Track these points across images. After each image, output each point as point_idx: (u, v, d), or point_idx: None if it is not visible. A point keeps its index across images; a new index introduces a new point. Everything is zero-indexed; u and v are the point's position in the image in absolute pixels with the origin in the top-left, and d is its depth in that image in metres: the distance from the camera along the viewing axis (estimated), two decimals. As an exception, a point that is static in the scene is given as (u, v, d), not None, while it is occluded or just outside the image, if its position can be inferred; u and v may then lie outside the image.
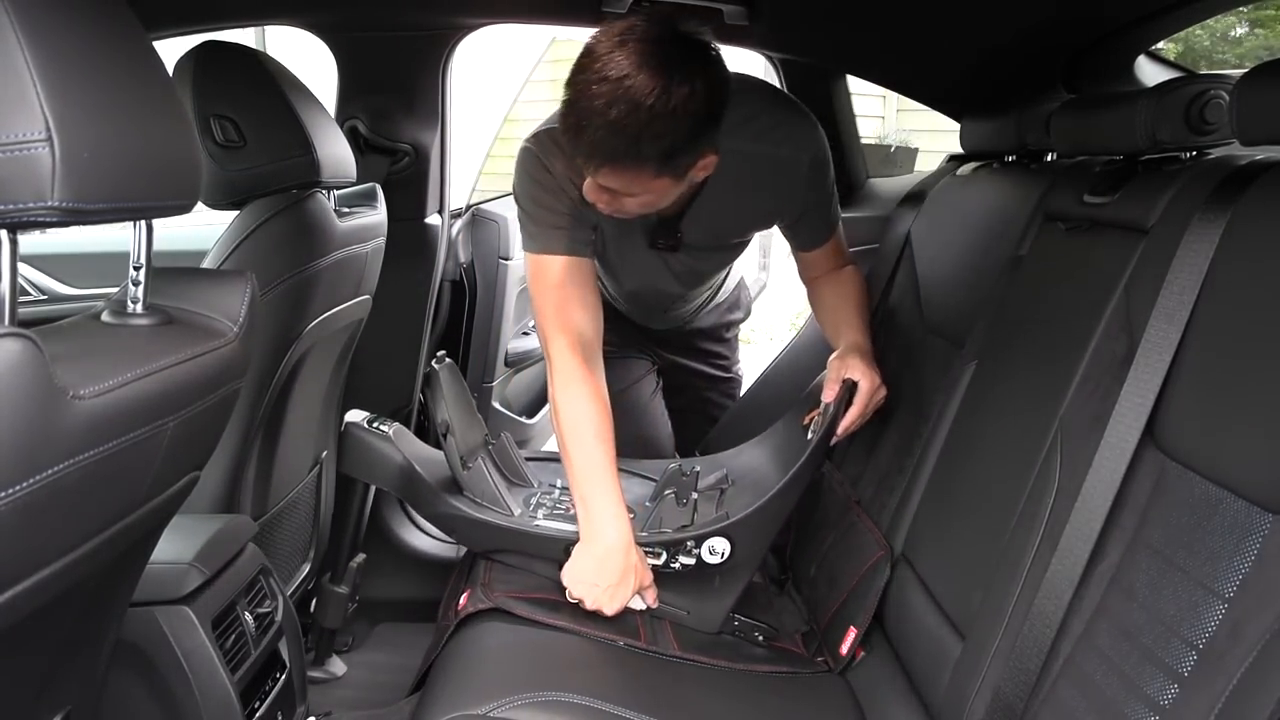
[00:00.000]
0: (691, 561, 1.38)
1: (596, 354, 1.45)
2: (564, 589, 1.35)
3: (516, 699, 1.11)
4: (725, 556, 1.36)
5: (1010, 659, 0.98)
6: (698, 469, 1.51)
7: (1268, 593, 0.75)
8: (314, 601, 1.58)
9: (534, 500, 1.50)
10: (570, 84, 1.21)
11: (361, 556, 1.60)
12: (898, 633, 1.30)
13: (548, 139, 1.43)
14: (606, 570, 1.33)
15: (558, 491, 1.53)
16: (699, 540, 1.37)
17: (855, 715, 1.26)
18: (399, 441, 1.51)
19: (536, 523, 1.43)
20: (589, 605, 1.33)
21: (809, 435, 1.44)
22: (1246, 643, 0.75)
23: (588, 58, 1.19)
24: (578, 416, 1.40)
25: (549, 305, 1.44)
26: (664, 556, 1.38)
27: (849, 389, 1.43)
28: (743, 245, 1.70)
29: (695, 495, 1.45)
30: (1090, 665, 0.90)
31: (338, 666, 1.67)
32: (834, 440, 1.44)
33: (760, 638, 1.42)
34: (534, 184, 1.44)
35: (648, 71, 1.16)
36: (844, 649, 1.34)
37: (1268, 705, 0.71)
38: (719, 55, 1.24)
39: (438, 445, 1.52)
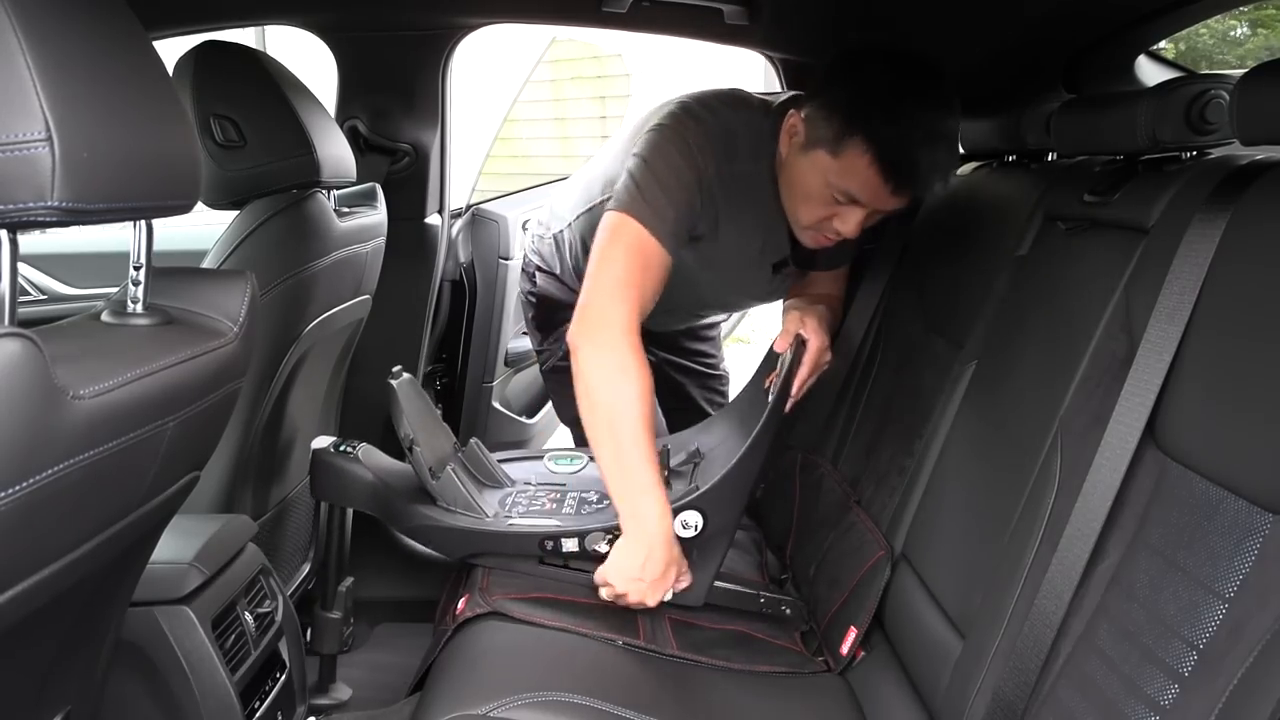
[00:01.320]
0: None
1: None
2: (592, 587, 1.33)
3: (516, 699, 1.10)
4: (699, 529, 1.36)
5: (1010, 659, 0.98)
6: (668, 446, 1.51)
7: (1268, 593, 0.75)
8: (309, 631, 1.58)
9: (509, 500, 1.49)
10: (888, 115, 1.28)
11: (350, 580, 1.60)
12: (898, 633, 1.31)
13: (701, 135, 1.42)
14: (651, 564, 1.31)
15: (533, 489, 1.52)
16: (671, 515, 1.36)
17: (855, 715, 1.26)
18: (367, 460, 1.49)
19: (511, 522, 1.42)
20: (631, 600, 1.31)
21: (769, 399, 1.44)
22: (1246, 643, 0.75)
23: (887, 82, 1.30)
24: (629, 400, 1.33)
25: (632, 285, 1.37)
26: None
27: (800, 344, 1.46)
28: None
29: (666, 473, 1.44)
30: (1090, 665, 0.90)
31: (343, 692, 1.67)
32: (789, 403, 1.44)
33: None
34: (684, 164, 1.40)
35: (943, 84, 1.30)
36: (844, 649, 1.34)
37: (1268, 705, 0.71)
38: None
39: None
